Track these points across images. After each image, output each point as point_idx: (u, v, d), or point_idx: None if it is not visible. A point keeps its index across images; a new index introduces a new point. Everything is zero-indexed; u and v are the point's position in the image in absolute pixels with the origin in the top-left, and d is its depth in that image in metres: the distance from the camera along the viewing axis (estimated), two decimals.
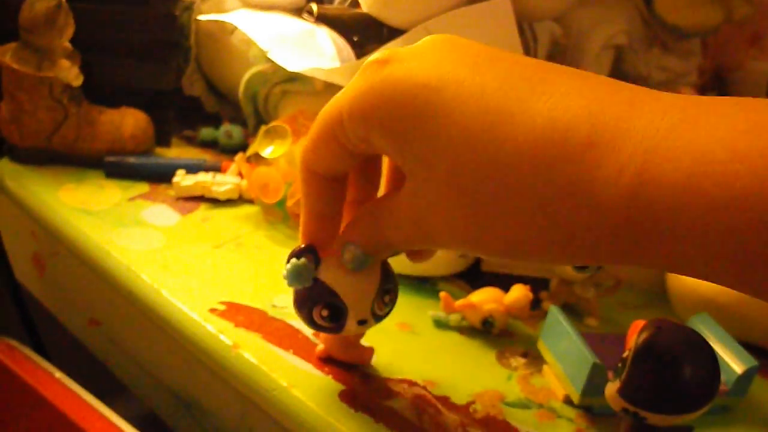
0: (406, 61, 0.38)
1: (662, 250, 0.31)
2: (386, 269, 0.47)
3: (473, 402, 0.51)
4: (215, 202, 0.76)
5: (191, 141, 0.91)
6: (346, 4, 0.80)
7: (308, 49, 0.74)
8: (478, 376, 0.55)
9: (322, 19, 0.75)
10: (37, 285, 0.76)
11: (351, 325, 0.47)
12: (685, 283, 0.65)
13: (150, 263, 0.62)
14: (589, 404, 0.52)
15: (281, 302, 0.59)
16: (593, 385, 0.50)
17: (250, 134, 0.88)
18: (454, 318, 0.59)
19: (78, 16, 0.76)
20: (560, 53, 0.83)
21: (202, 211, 0.74)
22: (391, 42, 0.68)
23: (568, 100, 0.34)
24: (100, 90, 0.83)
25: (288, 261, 0.46)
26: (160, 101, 0.88)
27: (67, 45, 0.77)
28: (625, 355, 0.46)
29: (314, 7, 0.75)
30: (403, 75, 0.38)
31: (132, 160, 0.79)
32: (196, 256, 0.64)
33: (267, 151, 0.69)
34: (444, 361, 0.56)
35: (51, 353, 0.82)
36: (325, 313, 0.46)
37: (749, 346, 0.56)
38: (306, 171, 0.45)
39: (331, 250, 0.47)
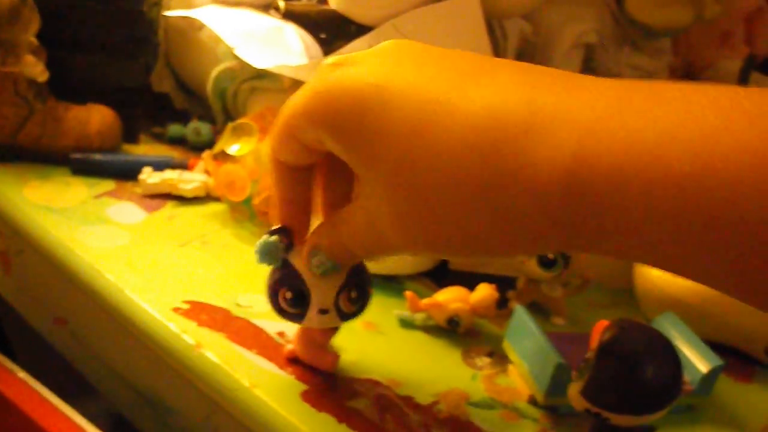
0: (356, 64, 0.39)
1: (602, 235, 0.32)
2: (358, 266, 0.48)
3: (437, 402, 0.51)
4: (182, 199, 0.75)
5: (159, 138, 0.91)
6: (314, 1, 0.79)
7: (276, 45, 0.74)
8: (442, 376, 0.54)
9: (289, 15, 0.74)
10: (2, 283, 0.75)
11: (313, 312, 0.47)
12: (652, 283, 0.65)
13: (114, 261, 0.62)
14: (554, 404, 0.52)
15: (245, 301, 0.59)
16: (558, 385, 0.50)
17: (219, 131, 0.87)
18: (419, 317, 0.59)
19: (44, 11, 0.75)
20: (530, 51, 0.82)
21: (169, 208, 0.73)
22: (359, 39, 0.68)
23: (507, 90, 0.34)
24: (67, 86, 0.81)
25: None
26: (128, 98, 0.87)
27: (33, 40, 0.76)
28: (588, 355, 0.46)
29: (281, 3, 0.75)
30: (350, 77, 0.38)
31: (98, 157, 0.78)
32: (161, 255, 0.64)
33: (233, 149, 0.69)
34: (409, 360, 0.56)
35: (17, 352, 0.81)
36: (288, 295, 0.47)
37: (714, 345, 0.57)
38: (273, 159, 0.46)
39: (305, 237, 0.48)
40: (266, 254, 0.47)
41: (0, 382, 0.63)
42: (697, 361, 0.54)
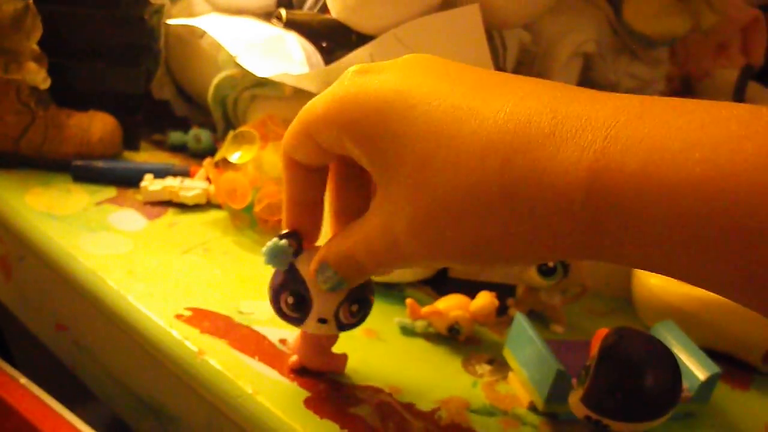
0: (381, 72, 0.40)
1: (621, 240, 0.32)
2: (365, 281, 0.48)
3: (438, 409, 0.51)
4: (183, 206, 0.75)
5: (160, 145, 0.91)
6: (316, 9, 0.80)
7: (277, 54, 0.74)
8: (443, 383, 0.55)
9: (290, 24, 0.75)
10: (3, 289, 0.75)
11: (311, 320, 0.47)
12: (650, 291, 0.65)
13: (116, 268, 0.62)
14: (554, 411, 0.52)
15: (247, 308, 0.59)
16: (558, 392, 0.50)
17: (219, 139, 0.87)
18: (420, 324, 0.60)
19: (46, 19, 0.76)
20: (529, 61, 0.83)
21: (170, 216, 0.73)
22: (360, 48, 0.68)
23: (530, 98, 0.35)
24: (68, 93, 0.82)
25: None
26: (129, 105, 0.87)
27: (35, 47, 0.76)
28: (588, 363, 0.46)
29: (283, 12, 0.75)
30: (375, 84, 0.39)
31: (100, 164, 0.78)
32: (162, 262, 0.64)
33: (235, 157, 0.69)
34: (410, 367, 0.56)
35: (17, 358, 0.81)
36: (290, 300, 0.47)
37: (712, 353, 0.57)
38: (286, 158, 0.46)
39: (314, 242, 0.48)
40: (274, 257, 0.47)
41: (1, 387, 0.63)
42: (696, 368, 0.55)
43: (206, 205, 0.76)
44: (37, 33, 0.75)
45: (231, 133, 0.71)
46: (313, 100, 0.43)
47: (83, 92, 0.85)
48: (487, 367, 0.58)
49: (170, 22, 0.86)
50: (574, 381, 0.49)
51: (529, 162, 0.33)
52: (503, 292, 0.63)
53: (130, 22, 0.85)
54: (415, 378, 0.55)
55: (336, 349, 0.52)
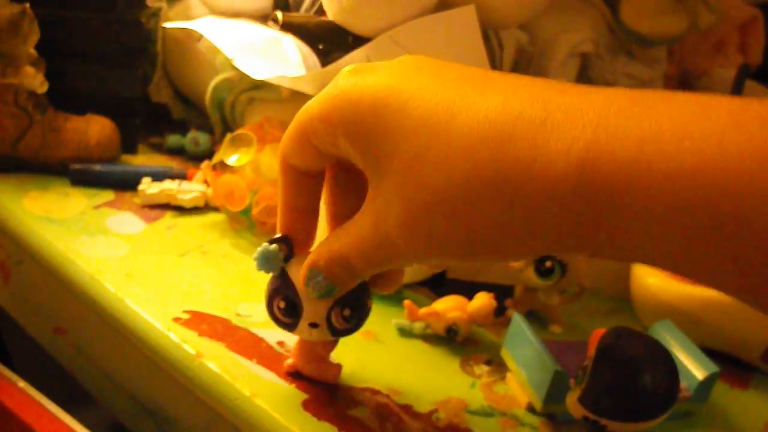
0: (375, 71, 0.40)
1: (613, 231, 0.32)
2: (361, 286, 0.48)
3: (436, 410, 0.51)
4: (181, 209, 0.75)
5: (158, 148, 0.91)
6: (312, 12, 0.80)
7: (274, 56, 0.74)
8: (441, 384, 0.55)
9: (287, 27, 0.75)
10: (2, 293, 0.76)
11: (303, 325, 0.47)
12: (648, 290, 0.65)
13: (114, 272, 0.62)
14: (552, 412, 0.52)
15: (245, 311, 0.59)
16: (556, 392, 0.50)
17: (217, 141, 0.87)
18: (418, 326, 0.60)
19: (43, 23, 0.76)
20: (526, 60, 0.83)
21: (168, 219, 0.73)
22: (356, 50, 0.68)
23: (522, 90, 0.36)
24: (66, 97, 0.82)
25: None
26: (127, 108, 0.87)
27: (32, 52, 0.77)
28: (585, 363, 0.46)
29: (279, 15, 0.75)
30: (369, 82, 0.39)
31: (97, 167, 0.78)
32: (160, 265, 0.64)
33: (232, 159, 0.69)
34: (408, 369, 0.56)
35: (15, 362, 0.81)
36: (282, 305, 0.47)
37: (710, 352, 0.57)
38: (283, 163, 0.46)
39: (308, 248, 0.48)
40: (265, 262, 0.47)
41: (0, 391, 0.63)
42: (694, 368, 0.55)
43: (204, 207, 0.76)
44: (35, 37, 0.76)
45: (228, 136, 0.71)
46: (309, 101, 0.43)
47: (81, 96, 0.85)
48: (485, 368, 0.58)
49: (167, 25, 0.86)
50: (572, 381, 0.49)
51: (520, 152, 0.33)
52: (501, 292, 0.63)
53: (127, 26, 0.85)
54: (413, 379, 0.55)
55: (335, 351, 0.52)
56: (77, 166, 0.78)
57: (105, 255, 0.64)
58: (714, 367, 0.54)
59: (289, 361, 0.52)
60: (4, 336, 0.83)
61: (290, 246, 0.48)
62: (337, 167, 0.47)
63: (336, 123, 0.40)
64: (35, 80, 0.76)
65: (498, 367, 0.58)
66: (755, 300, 0.30)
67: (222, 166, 0.73)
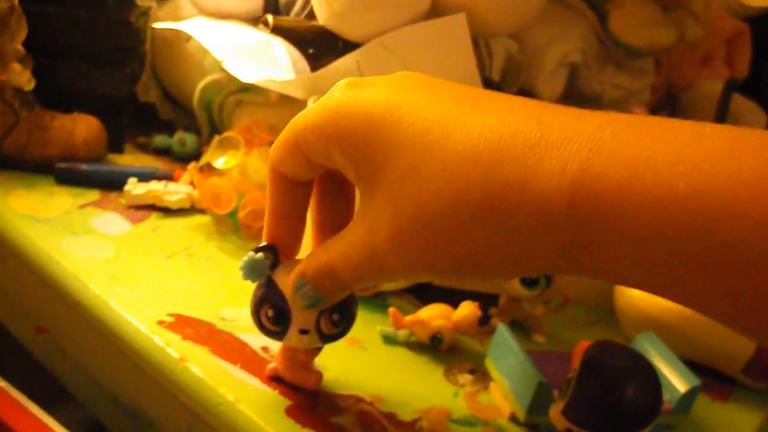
0: (371, 86, 0.40)
1: (603, 253, 0.32)
2: None
3: (419, 419, 0.52)
4: (166, 211, 0.75)
5: (144, 148, 0.91)
6: (303, 16, 0.80)
7: (263, 59, 0.74)
8: (425, 393, 0.55)
9: (277, 30, 0.75)
10: None
11: (293, 332, 0.47)
12: (632, 303, 0.66)
13: (99, 273, 0.62)
14: (535, 423, 0.52)
15: (229, 315, 0.59)
16: (539, 403, 0.51)
17: (204, 143, 0.87)
18: (402, 333, 0.60)
19: (31, 20, 0.75)
20: (515, 69, 0.83)
21: (153, 220, 0.73)
22: (346, 55, 0.68)
23: (517, 111, 0.36)
24: (53, 95, 0.82)
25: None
26: (114, 107, 0.87)
27: (20, 48, 0.76)
28: (569, 375, 0.46)
29: (270, 18, 0.75)
30: (365, 96, 0.40)
31: (83, 167, 0.78)
32: (145, 267, 0.64)
33: (219, 162, 0.69)
34: (392, 376, 0.56)
35: None
36: (270, 313, 0.47)
37: (692, 365, 0.57)
38: (272, 171, 0.46)
39: (293, 256, 0.48)
40: (251, 271, 0.47)
41: None
42: (676, 380, 0.55)
43: (190, 209, 0.76)
44: (22, 34, 0.75)
45: (216, 138, 0.71)
46: (303, 112, 0.43)
47: (68, 94, 0.84)
48: (468, 377, 0.58)
49: (157, 25, 0.86)
50: (555, 393, 0.49)
51: (513, 171, 0.34)
52: (486, 301, 0.63)
53: (117, 25, 0.85)
54: (397, 387, 0.55)
55: (320, 357, 0.52)
56: (63, 165, 0.77)
57: (90, 255, 0.64)
58: (696, 380, 0.54)
59: (272, 365, 0.52)
60: None
61: (276, 254, 0.47)
62: (326, 177, 0.47)
63: (330, 135, 0.40)
64: (22, 77, 0.75)
65: (481, 376, 0.58)
66: (741, 326, 0.31)
67: (209, 169, 0.72)
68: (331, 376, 0.53)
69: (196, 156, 0.85)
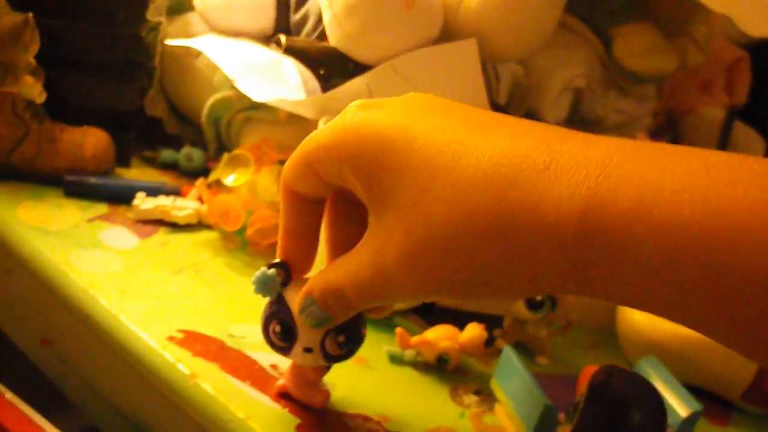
0: (383, 107, 0.41)
1: (610, 277, 0.33)
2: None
3: None
4: (174, 226, 0.76)
5: (151, 162, 0.91)
6: (314, 36, 0.81)
7: (274, 78, 0.75)
8: (431, 413, 0.55)
9: (290, 51, 0.76)
10: None
11: (297, 350, 0.48)
12: (634, 327, 0.67)
13: (108, 287, 0.62)
14: None
15: (238, 332, 0.59)
16: (544, 426, 0.51)
17: (211, 158, 0.88)
18: (409, 354, 0.60)
19: (44, 33, 0.76)
20: (521, 93, 0.84)
21: (161, 235, 0.74)
22: (357, 77, 0.69)
23: (528, 135, 0.36)
24: (62, 107, 0.82)
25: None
26: (122, 121, 0.87)
27: (32, 61, 0.77)
28: (576, 400, 0.47)
29: (283, 38, 0.76)
30: (377, 118, 0.40)
31: (92, 180, 0.78)
32: (154, 282, 0.65)
33: (230, 179, 0.70)
34: (398, 396, 0.57)
35: (1, 372, 0.81)
36: (277, 329, 0.48)
37: (693, 389, 0.58)
38: (284, 188, 0.46)
39: (306, 272, 0.49)
40: (262, 286, 0.47)
41: None
42: (678, 405, 0.56)
43: (197, 225, 0.77)
44: (35, 47, 0.76)
45: (226, 156, 0.71)
46: (316, 131, 0.44)
47: (77, 107, 0.85)
48: (474, 398, 0.58)
49: (169, 42, 0.86)
50: (560, 416, 0.50)
51: (523, 196, 0.34)
52: (491, 322, 0.64)
53: (127, 39, 0.85)
54: (404, 407, 0.55)
55: (327, 376, 0.53)
56: (72, 178, 0.78)
57: (99, 269, 0.64)
58: (697, 405, 0.55)
59: (281, 382, 0.53)
60: None
61: (288, 271, 0.48)
62: (338, 195, 0.48)
63: (342, 155, 0.41)
64: (34, 89, 0.76)
65: (487, 397, 0.58)
66: (745, 349, 0.31)
67: (218, 185, 0.73)
68: (338, 394, 0.54)
69: (203, 171, 0.85)
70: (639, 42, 0.89)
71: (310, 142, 0.43)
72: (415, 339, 0.60)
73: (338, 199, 0.48)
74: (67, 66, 0.84)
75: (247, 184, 0.70)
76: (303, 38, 0.82)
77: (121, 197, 0.78)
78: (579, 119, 0.89)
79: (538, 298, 0.62)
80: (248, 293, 0.48)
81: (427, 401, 0.57)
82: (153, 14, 0.90)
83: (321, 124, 0.69)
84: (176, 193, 0.80)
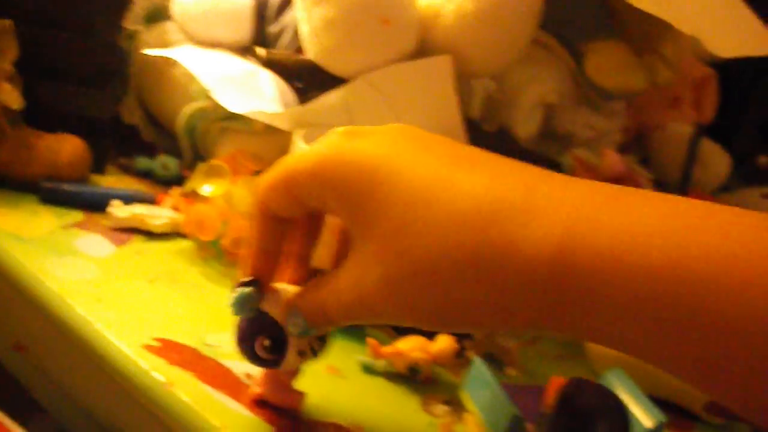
0: (368, 137, 0.42)
1: (581, 317, 0.34)
2: None
3: None
4: (149, 234, 0.76)
5: (126, 170, 0.92)
6: (292, 49, 0.81)
7: (250, 90, 0.76)
8: (402, 422, 0.56)
9: (267, 63, 0.77)
10: None
11: (292, 355, 0.48)
12: None
13: (84, 295, 0.62)
14: None
15: (214, 341, 0.60)
16: None
17: (186, 167, 0.88)
18: (381, 364, 0.61)
19: (22, 40, 0.76)
20: (494, 108, 0.86)
21: (137, 243, 0.74)
22: (333, 91, 0.70)
23: (507, 174, 0.38)
24: (39, 114, 0.82)
25: (234, 291, 0.48)
26: (98, 128, 0.87)
27: (10, 68, 0.77)
28: (545, 411, 0.48)
29: (263, 51, 0.77)
30: (361, 147, 0.41)
31: (68, 187, 0.78)
32: (130, 290, 0.65)
33: (206, 189, 0.70)
34: (370, 405, 0.57)
35: None
36: (267, 343, 0.48)
37: (658, 401, 0.59)
38: (260, 209, 0.47)
39: (272, 283, 0.49)
40: (243, 306, 0.47)
41: None
42: (643, 416, 0.57)
43: (172, 234, 0.77)
44: (13, 53, 0.76)
45: (202, 166, 0.72)
46: (297, 155, 0.44)
47: (53, 113, 0.85)
48: (444, 408, 0.59)
49: (146, 52, 0.87)
50: (528, 426, 0.51)
51: (501, 235, 0.35)
52: (461, 334, 0.65)
53: (105, 47, 0.86)
54: (376, 416, 0.56)
55: (300, 385, 0.53)
56: (48, 185, 0.78)
57: (74, 277, 0.65)
58: (662, 417, 0.56)
59: (256, 389, 0.53)
60: None
61: (260, 286, 0.48)
62: (309, 215, 0.49)
63: (325, 183, 0.42)
64: (11, 96, 0.76)
65: (457, 407, 0.59)
66: (709, 389, 0.32)
67: (193, 195, 0.74)
68: (312, 403, 0.54)
69: (178, 180, 0.86)
70: (610, 59, 0.91)
71: (291, 165, 0.44)
72: (386, 349, 0.61)
73: (308, 218, 0.49)
74: (44, 73, 0.84)
75: (223, 194, 0.71)
76: (281, 51, 0.83)
77: (96, 204, 0.78)
78: (550, 134, 0.91)
79: None
80: (224, 302, 0.48)
81: (398, 411, 0.58)
82: (130, 22, 0.90)
83: (296, 138, 0.70)
84: (151, 201, 0.80)
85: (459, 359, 0.64)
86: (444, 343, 0.61)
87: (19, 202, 0.77)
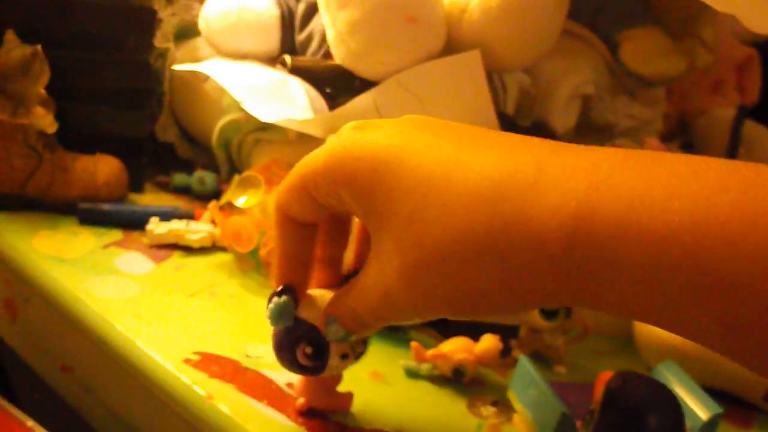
0: (377, 129, 0.41)
1: (602, 286, 0.33)
2: None
3: None
4: (188, 249, 0.76)
5: (164, 187, 0.92)
6: (319, 55, 0.81)
7: (281, 98, 0.75)
8: (449, 426, 0.55)
9: (295, 70, 0.76)
10: (9, 330, 0.76)
11: (334, 360, 0.48)
12: (651, 331, 0.66)
13: (124, 312, 0.62)
14: None
15: (255, 352, 0.60)
16: None
17: (223, 181, 0.89)
18: (425, 367, 0.60)
19: (53, 63, 0.77)
20: (529, 103, 0.84)
21: (176, 258, 0.74)
22: (363, 94, 0.69)
23: (517, 151, 0.37)
24: (75, 136, 0.83)
25: (269, 302, 0.47)
26: (134, 147, 0.88)
27: (42, 92, 0.78)
28: (592, 407, 0.47)
29: (288, 58, 0.77)
30: (371, 140, 0.41)
31: (106, 207, 0.79)
32: (170, 305, 0.65)
33: (240, 201, 0.70)
34: (415, 410, 0.57)
35: (22, 400, 0.81)
36: (308, 350, 0.47)
37: (713, 392, 0.58)
38: (279, 213, 0.47)
39: (306, 290, 0.49)
40: (280, 316, 0.47)
41: (9, 430, 0.64)
42: (698, 408, 0.55)
43: (211, 247, 0.77)
44: (45, 78, 0.77)
45: (236, 178, 0.72)
46: (310, 155, 0.44)
47: (88, 135, 0.86)
48: (491, 409, 0.58)
49: (176, 67, 0.87)
50: (578, 423, 0.50)
51: (514, 210, 0.34)
52: (506, 333, 0.64)
53: (136, 67, 0.86)
54: (421, 421, 0.55)
55: (344, 389, 0.53)
56: (86, 206, 0.79)
57: (114, 295, 0.65)
58: (718, 408, 0.54)
59: (300, 400, 0.53)
60: (11, 374, 0.83)
61: (295, 294, 0.48)
62: (329, 216, 0.49)
63: (339, 179, 0.41)
64: (45, 120, 0.77)
65: (504, 408, 0.58)
66: (735, 355, 0.31)
67: (230, 207, 0.74)
68: (355, 410, 0.54)
69: (216, 194, 0.86)
70: (646, 45, 0.89)
71: (304, 166, 0.44)
72: (430, 352, 0.60)
73: (328, 220, 0.49)
74: (77, 95, 0.85)
75: (258, 204, 0.71)
76: (308, 57, 0.82)
77: (134, 223, 0.79)
78: (589, 126, 0.89)
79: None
80: (263, 313, 0.48)
81: (444, 414, 0.57)
82: (160, 41, 0.91)
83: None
84: (189, 216, 0.80)
85: (505, 359, 0.63)
86: (488, 342, 0.60)
87: (58, 224, 0.77)
